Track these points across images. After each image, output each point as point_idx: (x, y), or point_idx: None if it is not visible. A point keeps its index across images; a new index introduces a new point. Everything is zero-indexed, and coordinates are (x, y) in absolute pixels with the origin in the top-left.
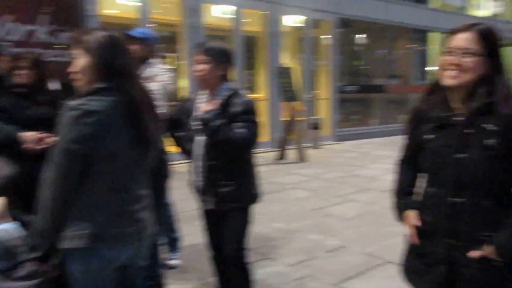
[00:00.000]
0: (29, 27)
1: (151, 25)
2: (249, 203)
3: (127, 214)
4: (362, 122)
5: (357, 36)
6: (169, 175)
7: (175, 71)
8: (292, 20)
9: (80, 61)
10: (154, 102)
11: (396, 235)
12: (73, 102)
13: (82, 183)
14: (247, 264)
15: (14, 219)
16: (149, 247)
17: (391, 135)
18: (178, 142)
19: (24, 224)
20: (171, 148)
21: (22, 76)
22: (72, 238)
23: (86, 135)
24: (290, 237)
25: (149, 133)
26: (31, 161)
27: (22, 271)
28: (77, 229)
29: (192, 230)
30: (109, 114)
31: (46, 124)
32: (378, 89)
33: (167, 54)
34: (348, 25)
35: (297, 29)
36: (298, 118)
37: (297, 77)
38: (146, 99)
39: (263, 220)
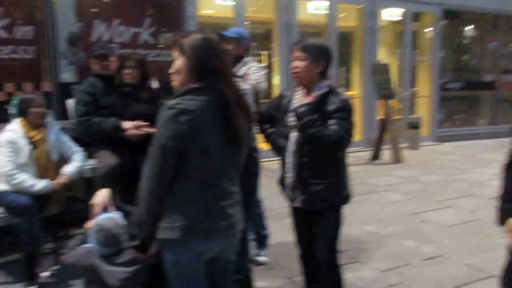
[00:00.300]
0: (134, 30)
1: (246, 23)
2: (339, 204)
3: (218, 209)
4: (467, 122)
5: (463, 28)
6: (259, 172)
7: (269, 68)
8: (390, 14)
9: (177, 62)
10: (247, 101)
11: (504, 247)
12: (170, 101)
13: (177, 178)
14: (338, 266)
15: (117, 208)
16: (238, 242)
17: (502, 137)
18: (270, 138)
19: (126, 214)
20: (262, 145)
21: (128, 75)
22: (166, 229)
23: (181, 132)
24: (382, 242)
25: (240, 131)
26: (133, 154)
27: (123, 258)
28: (171, 221)
29: (281, 228)
30: (203, 113)
31: (146, 120)
32: (488, 86)
33: (261, 52)
34: (453, 17)
35: (396, 22)
36: (395, 117)
37: (394, 74)
38: (238, 98)
39: (354, 222)
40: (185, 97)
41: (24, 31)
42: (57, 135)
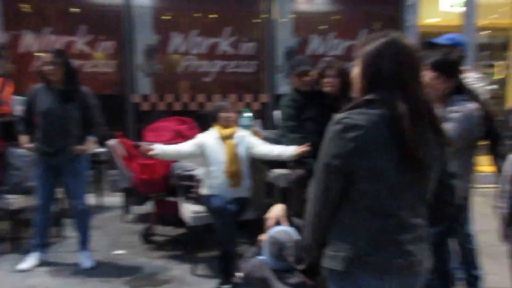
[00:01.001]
0: (349, 42)
1: (477, 31)
2: None
3: (393, 243)
4: None
5: None
6: (456, 202)
7: (504, 80)
8: None
9: (354, 70)
10: (437, 116)
11: None
12: (338, 116)
13: (344, 202)
14: None
15: (291, 224)
16: (424, 283)
17: None
18: (496, 160)
19: (299, 229)
20: (484, 167)
21: (327, 83)
22: (330, 258)
23: (347, 150)
24: None
25: (420, 152)
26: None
27: (294, 279)
28: (335, 250)
29: (500, 269)
30: (374, 129)
31: None
32: None
33: (495, 63)
34: None
35: None
36: None
37: None
38: (426, 113)
39: None
40: (355, 110)
41: (247, 48)
42: (243, 137)
